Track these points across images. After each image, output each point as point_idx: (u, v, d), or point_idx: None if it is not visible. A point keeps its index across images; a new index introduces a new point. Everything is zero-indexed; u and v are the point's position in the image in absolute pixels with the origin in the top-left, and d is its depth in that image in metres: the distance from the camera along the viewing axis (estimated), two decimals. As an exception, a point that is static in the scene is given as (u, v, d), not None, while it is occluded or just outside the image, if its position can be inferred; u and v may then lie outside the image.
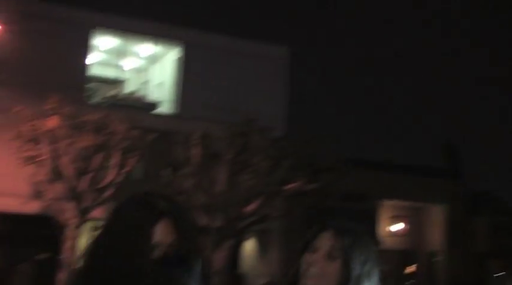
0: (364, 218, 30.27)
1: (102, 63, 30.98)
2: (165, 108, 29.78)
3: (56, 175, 23.12)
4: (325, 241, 2.20)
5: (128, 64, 31.75)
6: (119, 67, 30.98)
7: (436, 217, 33.69)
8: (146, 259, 1.85)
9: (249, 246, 30.15)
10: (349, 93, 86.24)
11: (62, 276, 21.70)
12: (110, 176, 23.43)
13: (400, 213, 34.10)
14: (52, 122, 22.59)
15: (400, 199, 32.40)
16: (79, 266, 2.02)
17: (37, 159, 22.85)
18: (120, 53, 30.34)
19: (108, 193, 23.43)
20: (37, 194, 23.39)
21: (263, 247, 29.43)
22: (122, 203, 2.06)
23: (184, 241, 1.93)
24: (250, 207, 23.95)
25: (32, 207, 23.45)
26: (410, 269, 34.52)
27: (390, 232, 33.76)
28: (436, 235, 33.53)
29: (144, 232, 1.89)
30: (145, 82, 31.16)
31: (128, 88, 31.95)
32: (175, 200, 2.09)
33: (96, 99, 29.53)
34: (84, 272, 1.96)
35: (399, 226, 34.23)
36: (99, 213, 24.23)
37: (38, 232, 24.20)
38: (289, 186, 24.04)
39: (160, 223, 1.92)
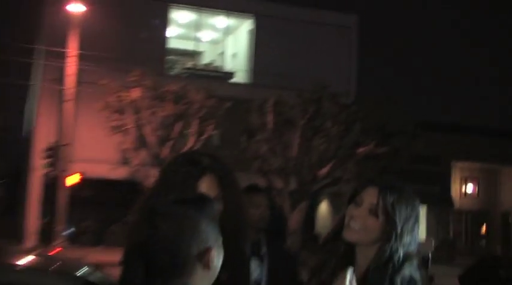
0: (437, 180, 30.53)
1: (180, 37, 32.22)
2: (240, 77, 30.75)
3: (141, 142, 24.87)
4: (369, 197, 2.22)
5: (204, 36, 32.92)
6: (196, 39, 32.14)
7: (511, 178, 33.57)
8: None
9: (323, 208, 30.92)
10: (421, 56, 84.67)
11: None
12: (190, 143, 24.69)
13: (474, 174, 34.10)
14: (135, 93, 24.14)
15: (473, 161, 32.43)
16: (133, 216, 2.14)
17: (123, 128, 24.42)
18: (196, 26, 31.46)
19: None
20: (124, 161, 25.24)
21: (336, 209, 30.06)
22: (171, 160, 2.21)
23: (228, 195, 2.09)
24: (323, 170, 24.64)
25: (120, 173, 25.02)
26: (483, 229, 34.58)
27: (463, 193, 33.88)
28: (509, 196, 33.41)
29: (188, 186, 2.04)
30: (221, 54, 32.23)
31: (205, 59, 33.14)
32: (219, 157, 2.21)
33: (175, 71, 30.86)
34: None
35: (472, 187, 34.29)
36: None
37: (126, 196, 26.21)
38: (360, 150, 24.48)
39: (204, 178, 2.08)
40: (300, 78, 25.35)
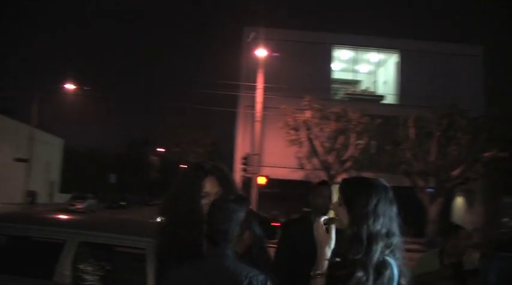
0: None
1: (342, 70, 37.58)
2: (389, 99, 35.23)
3: (312, 152, 30.28)
4: (338, 192, 2.49)
5: (361, 69, 38.04)
6: (354, 71, 37.04)
7: None
8: (198, 203, 2.57)
9: (458, 202, 33.95)
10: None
11: None
12: (349, 151, 29.72)
13: None
14: (307, 114, 29.53)
15: None
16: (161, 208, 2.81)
17: (298, 141, 29.90)
18: (354, 61, 36.60)
19: (348, 164, 29.82)
20: (300, 166, 30.41)
21: (469, 203, 32.98)
22: (185, 167, 2.90)
23: (225, 190, 2.68)
24: (456, 172, 28.26)
25: (297, 175, 30.13)
26: None
27: None
28: None
29: (196, 185, 2.65)
30: (374, 82, 37.06)
31: (362, 86, 38.23)
32: (219, 164, 2.84)
33: (338, 96, 35.96)
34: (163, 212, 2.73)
35: None
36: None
37: (302, 193, 28.79)
38: (486, 155, 27.51)
39: (208, 179, 2.68)
40: (436, 98, 28.63)
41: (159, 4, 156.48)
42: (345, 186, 2.49)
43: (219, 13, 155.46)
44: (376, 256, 2.28)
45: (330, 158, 29.72)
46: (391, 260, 2.30)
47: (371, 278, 2.25)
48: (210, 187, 2.72)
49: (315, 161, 30.28)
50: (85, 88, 39.41)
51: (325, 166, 29.59)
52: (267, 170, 30.57)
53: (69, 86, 41.05)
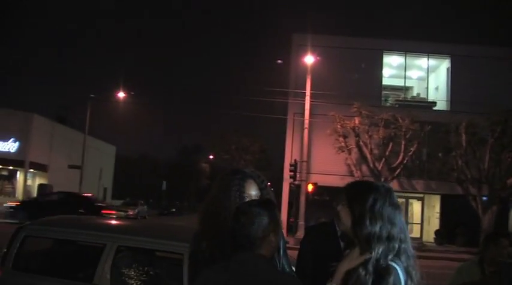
0: None
1: (392, 76, 37.36)
2: (440, 105, 34.76)
3: (361, 159, 30.48)
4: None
5: (412, 75, 37.71)
6: (405, 77, 36.62)
7: None
8: (234, 204, 2.64)
9: None
10: None
11: None
12: (399, 158, 29.56)
13: None
14: (356, 121, 29.57)
15: None
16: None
17: (347, 148, 29.99)
18: (405, 67, 36.16)
19: (398, 171, 29.72)
20: (349, 173, 30.44)
21: None
22: (224, 173, 2.94)
23: (263, 195, 2.82)
24: (511, 180, 27.80)
25: (346, 182, 29.52)
26: None
27: None
28: None
29: (238, 187, 2.79)
30: (425, 88, 36.49)
31: (413, 92, 37.93)
32: (255, 170, 2.98)
33: (388, 102, 35.83)
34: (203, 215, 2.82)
35: None
36: (392, 186, 30.43)
37: None
38: None
39: (248, 181, 2.83)
40: (488, 104, 28.10)
41: (209, 13, 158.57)
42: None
43: (268, 20, 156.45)
44: (376, 257, 2.30)
45: (380, 166, 29.74)
46: (396, 265, 2.31)
47: (370, 278, 2.27)
48: (250, 189, 2.82)
49: (364, 168, 30.37)
50: (136, 95, 40.07)
51: (375, 173, 29.62)
52: (315, 178, 30.75)
53: (121, 94, 42.15)
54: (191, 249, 2.75)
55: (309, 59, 30.81)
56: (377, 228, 2.33)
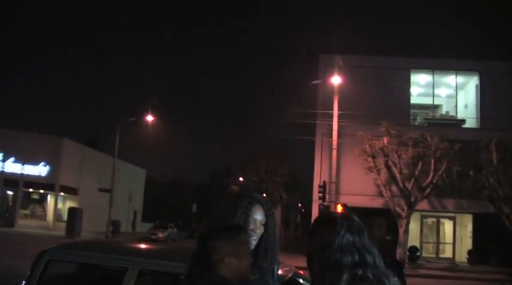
0: None
1: (420, 94, 37.29)
2: (469, 123, 34.51)
3: (391, 179, 30.40)
4: None
5: (441, 93, 37.58)
6: (433, 95, 36.47)
7: None
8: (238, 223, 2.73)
9: None
10: None
11: (399, 251, 27.82)
12: (429, 178, 29.39)
13: None
14: (384, 141, 29.63)
15: None
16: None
17: (376, 168, 30.06)
18: (433, 85, 36.10)
19: (428, 190, 29.48)
20: (379, 194, 30.61)
21: None
22: (231, 196, 3.01)
23: (269, 222, 2.87)
24: None
25: (376, 203, 30.20)
26: None
27: None
28: None
29: (246, 210, 2.82)
30: (455, 105, 36.42)
31: (442, 110, 37.74)
32: (263, 196, 3.03)
33: (416, 121, 35.82)
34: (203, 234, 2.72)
35: None
36: (422, 205, 30.79)
37: None
38: None
39: (256, 206, 2.85)
40: None
41: (233, 33, 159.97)
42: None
43: (294, 41, 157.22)
44: None
45: (410, 185, 29.60)
46: None
47: None
48: (257, 214, 2.84)
49: (394, 188, 30.28)
50: (165, 117, 40.57)
51: (405, 193, 29.53)
52: (344, 198, 30.77)
53: (150, 118, 42.83)
54: (186, 272, 2.69)
55: (336, 80, 31.08)
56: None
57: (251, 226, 2.82)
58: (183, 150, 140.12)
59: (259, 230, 2.84)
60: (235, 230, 2.60)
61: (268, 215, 2.89)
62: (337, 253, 2.09)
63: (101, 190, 42.06)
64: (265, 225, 2.87)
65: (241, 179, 57.50)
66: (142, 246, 6.61)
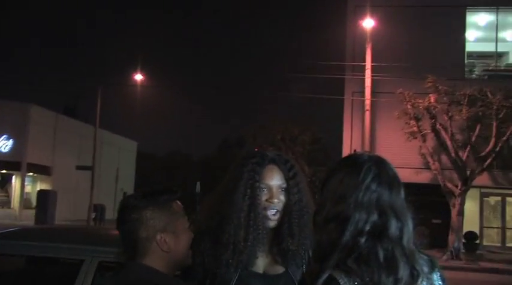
0: None
1: (479, 39, 36.68)
2: None
3: (440, 147, 29.95)
4: None
5: (507, 36, 36.76)
6: (496, 40, 35.63)
7: None
8: (255, 198, 2.67)
9: None
10: None
11: (451, 238, 27.76)
12: (490, 145, 28.74)
13: None
14: (431, 99, 28.95)
15: None
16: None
17: (420, 134, 29.35)
18: (497, 26, 35.31)
19: (489, 161, 28.85)
20: (425, 166, 30.31)
21: None
22: (240, 155, 2.99)
23: (290, 187, 2.77)
24: None
25: (422, 177, 30.09)
26: None
27: None
28: None
29: (256, 173, 2.72)
30: None
31: (507, 59, 37.07)
32: (283, 154, 2.96)
33: (473, 74, 35.34)
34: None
35: None
36: (481, 180, 30.44)
37: (429, 199, 28.55)
38: None
39: (269, 167, 2.79)
40: None
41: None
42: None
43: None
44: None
45: (464, 155, 29.09)
46: (342, 278, 1.86)
47: None
48: (270, 179, 2.76)
49: (444, 158, 29.92)
50: (161, 79, 40.41)
51: (458, 165, 29.08)
52: (379, 170, 30.46)
53: (139, 77, 42.41)
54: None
55: (369, 23, 30.61)
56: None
57: (264, 196, 2.71)
58: (185, 119, 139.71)
59: (277, 200, 2.72)
60: (165, 195, 2.40)
61: (289, 178, 2.76)
62: (350, 209, 1.95)
63: (78, 167, 41.76)
64: (287, 191, 2.75)
65: (256, 150, 57.53)
66: (104, 232, 6.58)
